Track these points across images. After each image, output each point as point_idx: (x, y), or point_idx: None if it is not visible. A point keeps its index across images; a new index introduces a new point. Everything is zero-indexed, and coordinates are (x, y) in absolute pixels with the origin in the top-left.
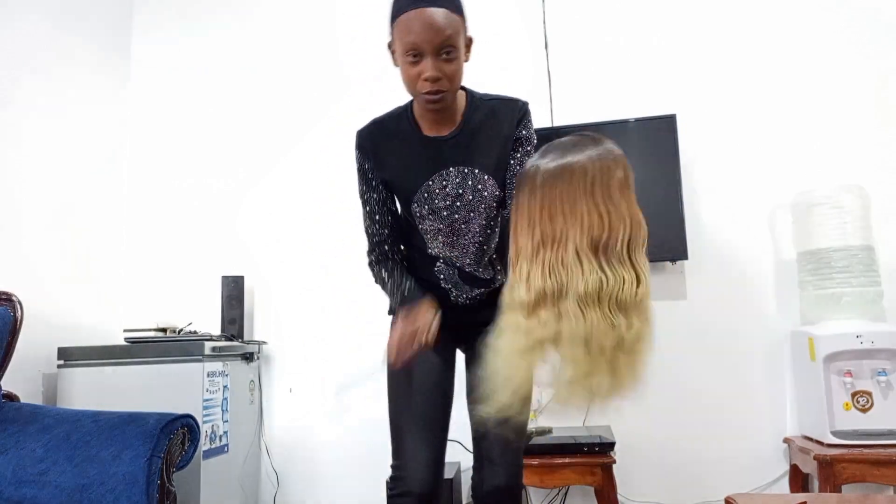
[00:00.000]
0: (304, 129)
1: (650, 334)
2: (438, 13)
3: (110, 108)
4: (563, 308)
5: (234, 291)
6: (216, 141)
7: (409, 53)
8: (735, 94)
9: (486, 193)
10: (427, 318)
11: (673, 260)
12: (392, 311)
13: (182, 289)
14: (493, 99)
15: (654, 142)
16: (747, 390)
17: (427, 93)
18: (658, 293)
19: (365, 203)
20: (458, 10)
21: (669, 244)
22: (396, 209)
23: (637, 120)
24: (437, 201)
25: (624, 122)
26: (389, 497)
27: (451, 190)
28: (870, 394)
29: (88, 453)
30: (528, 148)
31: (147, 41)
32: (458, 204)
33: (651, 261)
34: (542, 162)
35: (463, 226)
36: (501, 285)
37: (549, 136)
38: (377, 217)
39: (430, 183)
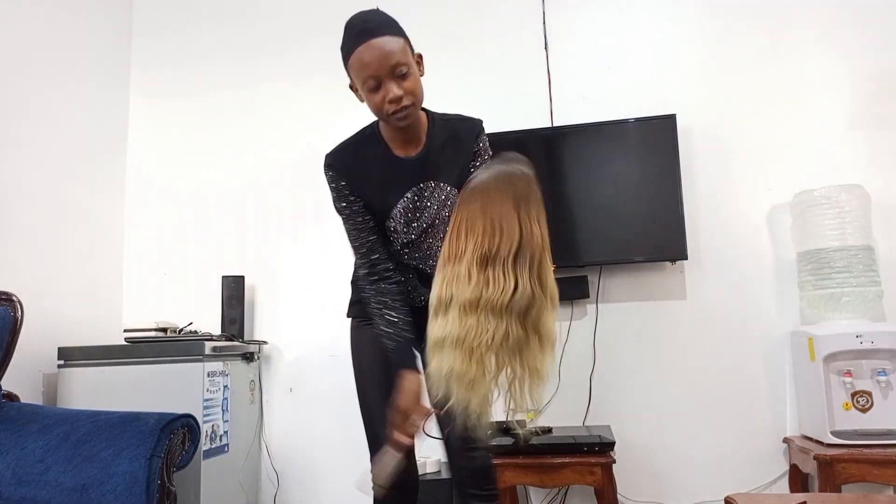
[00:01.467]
0: (304, 129)
1: (533, 338)
2: (380, 41)
3: (111, 107)
4: (450, 315)
5: (234, 291)
6: (217, 140)
7: (369, 84)
8: (735, 94)
9: (447, 202)
10: (422, 413)
11: (673, 260)
12: (350, 315)
13: (182, 289)
14: (452, 118)
15: (654, 142)
16: (747, 390)
17: (395, 112)
18: (658, 293)
19: (348, 218)
20: (398, 32)
21: (669, 244)
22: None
23: (637, 120)
24: (410, 215)
25: (624, 122)
26: (373, 488)
27: (421, 204)
28: (870, 394)
29: (88, 453)
30: (486, 157)
31: (148, 39)
32: (426, 215)
33: (651, 261)
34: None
35: (430, 232)
36: None
37: (549, 136)
38: (364, 230)
39: (405, 200)
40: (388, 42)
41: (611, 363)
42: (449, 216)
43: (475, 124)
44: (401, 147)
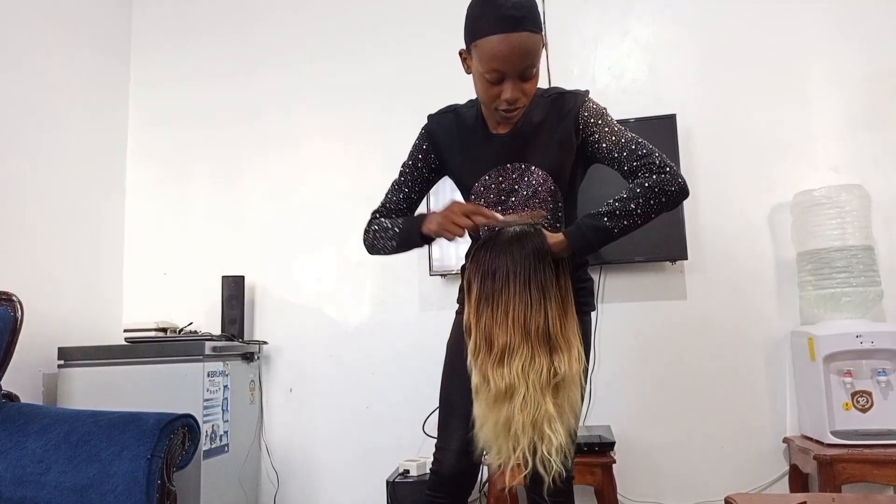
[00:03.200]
0: (305, 129)
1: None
2: (523, 38)
3: (111, 107)
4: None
5: (234, 291)
6: (217, 140)
7: (492, 75)
8: (735, 93)
9: (539, 189)
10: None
11: (673, 260)
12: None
13: (182, 289)
14: (555, 93)
15: (654, 142)
16: (747, 390)
17: (504, 110)
18: (658, 293)
19: (400, 174)
20: (538, 26)
21: (669, 244)
22: (420, 200)
23: (637, 120)
24: (492, 195)
25: (624, 122)
26: (430, 472)
27: (506, 185)
28: (870, 394)
29: (88, 453)
30: (599, 122)
31: (147, 39)
32: (514, 199)
33: (651, 261)
34: None
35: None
36: None
37: None
38: (402, 193)
39: (487, 178)
40: (529, 40)
41: (611, 363)
42: (542, 203)
43: (578, 97)
44: (495, 124)
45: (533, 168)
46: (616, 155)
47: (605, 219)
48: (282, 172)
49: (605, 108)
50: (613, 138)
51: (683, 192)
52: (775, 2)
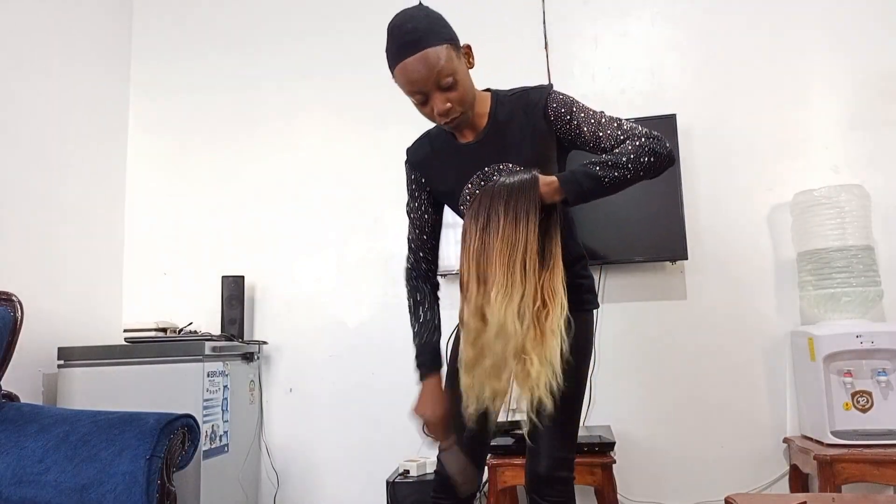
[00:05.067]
0: (304, 129)
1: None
2: (422, 57)
3: (111, 105)
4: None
5: (234, 291)
6: (217, 140)
7: (416, 98)
8: (735, 93)
9: None
10: (437, 414)
11: (673, 260)
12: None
13: (182, 289)
14: (520, 91)
15: None
16: (747, 390)
17: (446, 123)
18: (658, 293)
19: (408, 214)
20: (441, 38)
21: (669, 244)
22: (438, 224)
23: (637, 120)
24: None
25: None
26: (434, 473)
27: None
28: (870, 394)
29: (88, 453)
30: (573, 109)
31: (147, 39)
32: None
33: (651, 261)
34: None
35: None
36: None
37: None
38: (417, 226)
39: (471, 185)
40: (431, 55)
41: (611, 363)
42: None
43: (543, 90)
44: (462, 134)
45: (511, 166)
46: (601, 133)
47: (597, 168)
48: (282, 172)
49: (573, 98)
50: (593, 121)
51: (670, 157)
52: (775, 2)
